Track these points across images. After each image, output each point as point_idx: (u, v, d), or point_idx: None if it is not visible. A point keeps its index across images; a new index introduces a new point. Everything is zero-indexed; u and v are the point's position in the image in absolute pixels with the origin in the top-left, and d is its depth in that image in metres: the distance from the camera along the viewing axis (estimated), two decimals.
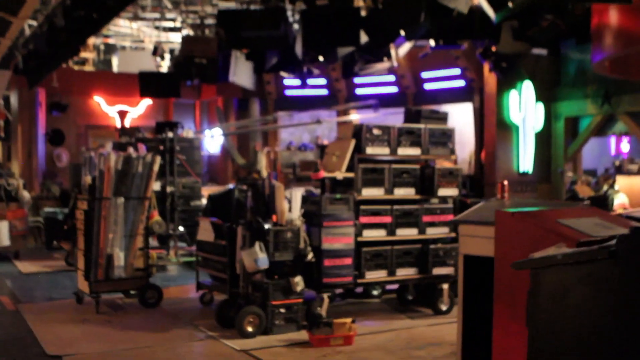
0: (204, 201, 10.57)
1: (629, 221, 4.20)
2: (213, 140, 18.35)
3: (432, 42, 13.52)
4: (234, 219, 7.63)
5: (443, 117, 8.35)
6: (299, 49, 12.04)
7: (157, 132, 12.14)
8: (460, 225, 5.12)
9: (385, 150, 7.76)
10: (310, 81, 16.28)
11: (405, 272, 7.86)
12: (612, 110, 13.81)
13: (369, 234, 7.68)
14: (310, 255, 7.24)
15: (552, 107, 14.83)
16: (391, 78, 16.47)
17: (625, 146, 16.57)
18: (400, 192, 7.85)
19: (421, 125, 7.97)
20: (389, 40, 12.95)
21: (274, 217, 7.19)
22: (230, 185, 10.15)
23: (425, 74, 16.25)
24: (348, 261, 7.48)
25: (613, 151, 16.52)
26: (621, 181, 9.90)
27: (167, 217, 10.74)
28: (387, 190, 7.77)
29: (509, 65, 13.88)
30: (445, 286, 7.95)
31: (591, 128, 14.47)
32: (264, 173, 14.64)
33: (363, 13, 10.95)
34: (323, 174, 7.49)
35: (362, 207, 7.63)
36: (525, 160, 14.19)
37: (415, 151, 7.94)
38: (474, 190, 14.04)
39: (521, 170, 14.25)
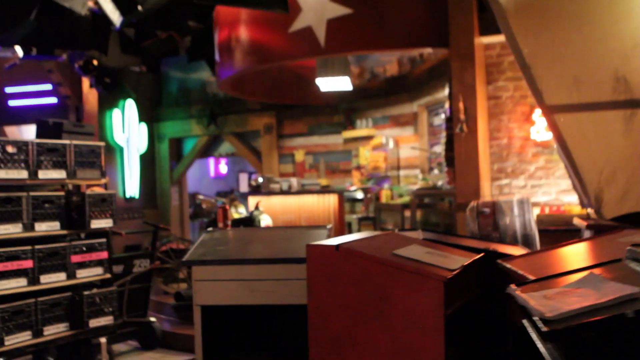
0: None
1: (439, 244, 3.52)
2: None
3: (19, 51, 11.56)
4: None
5: (90, 132, 6.82)
6: None
7: None
8: (195, 268, 3.91)
9: (24, 174, 5.93)
10: None
11: (55, 330, 6.11)
12: (218, 131, 13.57)
13: (5, 286, 5.76)
14: None
15: (155, 127, 14.00)
16: None
17: (223, 167, 16.63)
18: (43, 228, 6.10)
19: (66, 142, 6.35)
20: None
21: None
22: None
23: (9, 89, 13.92)
24: None
25: (212, 173, 16.43)
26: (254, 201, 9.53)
27: None
28: (26, 225, 5.95)
29: (113, 81, 12.64)
30: (103, 340, 6.45)
31: (197, 149, 14.03)
32: None
33: None
34: None
35: None
36: (132, 185, 13.04)
37: (59, 174, 6.25)
38: None
39: (127, 195, 13.05)
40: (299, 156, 13.02)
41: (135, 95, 13.15)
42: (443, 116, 9.36)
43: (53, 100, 13.82)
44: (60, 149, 6.25)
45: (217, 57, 10.34)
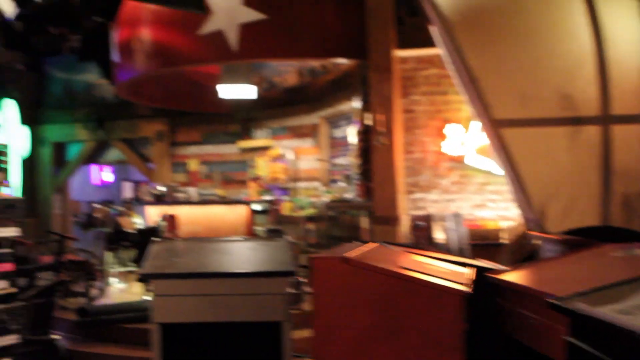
0: None
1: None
2: None
3: None
4: None
5: None
6: None
7: None
8: (156, 282, 3.60)
9: None
10: None
11: None
12: (106, 137, 12.91)
13: None
14: None
15: (37, 130, 13.12)
16: None
17: (108, 175, 15.85)
18: None
19: None
20: None
21: None
22: None
23: None
24: None
25: (96, 180, 15.62)
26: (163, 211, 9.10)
27: None
28: None
29: None
30: None
31: (83, 155, 13.28)
32: None
33: None
34: None
35: None
36: (13, 191, 12.10)
37: None
38: None
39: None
40: (193, 165, 12.60)
41: (17, 95, 12.25)
42: (350, 129, 9.33)
43: None
44: None
45: (115, 57, 9.81)
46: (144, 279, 3.73)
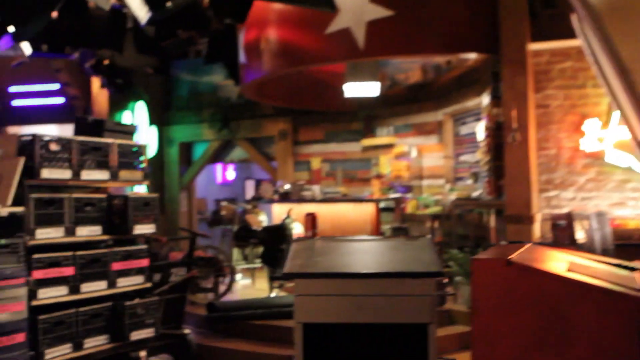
0: None
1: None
2: None
3: (28, 48, 11.08)
4: None
5: (131, 131, 6.41)
6: None
7: None
8: (298, 281, 3.54)
9: (67, 174, 5.51)
10: None
11: (95, 343, 5.68)
12: (231, 136, 13.16)
13: (46, 294, 5.33)
14: None
15: (165, 131, 13.57)
16: None
17: (231, 174, 16.20)
18: (84, 232, 5.67)
19: (109, 140, 5.93)
20: None
21: None
22: None
23: (13, 89, 13.41)
24: (20, 338, 5.03)
25: (219, 179, 16.00)
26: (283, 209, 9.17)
27: None
28: (68, 230, 5.52)
29: (125, 82, 12.19)
30: (143, 354, 6.01)
31: (208, 154, 13.61)
32: None
33: None
34: None
35: (36, 255, 5.25)
36: (140, 190, 12.55)
37: (102, 175, 5.83)
38: None
39: None
40: (316, 163, 12.64)
41: (147, 97, 12.71)
42: (478, 125, 9.04)
43: (60, 100, 13.34)
44: (104, 148, 5.84)
45: (242, 59, 9.95)
46: (283, 277, 3.68)
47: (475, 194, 9.09)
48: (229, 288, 8.42)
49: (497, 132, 7.84)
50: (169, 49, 11.18)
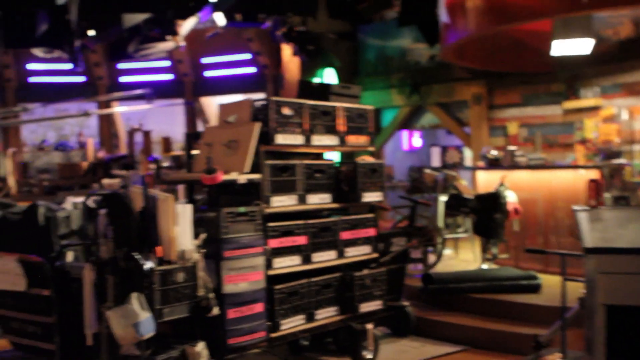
0: None
1: None
2: None
3: (222, 19, 11.17)
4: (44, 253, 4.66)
5: (356, 95, 6.17)
6: (73, 16, 8.99)
7: None
8: (600, 257, 3.06)
9: (299, 139, 5.33)
10: (59, 66, 12.94)
11: (326, 314, 5.51)
12: (421, 102, 12.71)
13: (281, 264, 5.19)
14: (216, 309, 4.58)
15: None
16: (166, 64, 13.64)
17: (417, 141, 15.81)
18: (315, 200, 5.48)
19: (336, 104, 5.70)
20: (196, 8, 10.35)
21: (158, 250, 4.38)
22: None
23: (206, 60, 13.72)
24: (259, 308, 4.93)
25: (406, 146, 15.66)
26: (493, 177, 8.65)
27: None
28: (300, 197, 5.35)
29: (317, 49, 12.07)
30: (370, 326, 5.77)
31: (398, 121, 13.24)
32: (11, 180, 11.04)
33: None
34: (221, 176, 4.82)
35: (271, 224, 5.11)
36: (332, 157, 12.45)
37: (331, 140, 5.62)
38: None
39: None
40: (512, 129, 11.91)
41: (336, 63, 12.52)
42: None
43: (252, 70, 13.50)
44: (332, 112, 5.61)
45: (444, 18, 9.42)
46: (590, 252, 3.20)
47: None
48: (439, 259, 8.04)
49: None
50: (364, 12, 10.88)
